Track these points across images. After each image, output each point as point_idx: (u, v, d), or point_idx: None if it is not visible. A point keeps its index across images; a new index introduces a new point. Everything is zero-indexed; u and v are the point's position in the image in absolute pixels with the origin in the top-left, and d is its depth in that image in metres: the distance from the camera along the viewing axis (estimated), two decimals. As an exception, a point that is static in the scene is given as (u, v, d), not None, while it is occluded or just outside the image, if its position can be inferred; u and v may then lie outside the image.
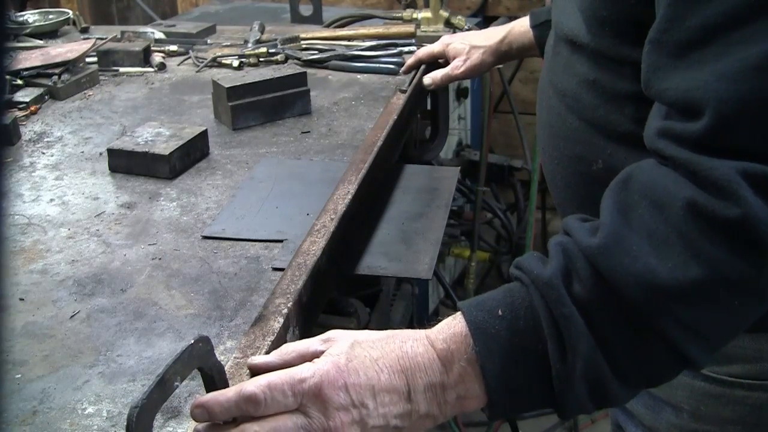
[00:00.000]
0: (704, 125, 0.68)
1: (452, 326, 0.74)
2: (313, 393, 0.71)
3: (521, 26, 1.55)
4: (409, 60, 1.75)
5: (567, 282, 0.70)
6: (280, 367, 0.75)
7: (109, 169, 1.37)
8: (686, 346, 0.70)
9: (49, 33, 2.11)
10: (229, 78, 1.61)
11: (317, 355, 0.75)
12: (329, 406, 0.71)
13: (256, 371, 0.77)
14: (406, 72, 1.75)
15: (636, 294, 0.68)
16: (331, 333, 0.79)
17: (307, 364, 0.74)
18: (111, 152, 1.37)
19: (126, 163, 1.36)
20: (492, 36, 1.61)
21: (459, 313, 0.75)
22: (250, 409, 0.71)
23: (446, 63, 1.67)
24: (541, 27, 1.47)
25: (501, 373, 0.72)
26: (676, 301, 0.68)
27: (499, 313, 0.72)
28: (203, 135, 1.42)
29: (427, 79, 1.68)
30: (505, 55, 1.61)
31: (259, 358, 0.79)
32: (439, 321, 0.76)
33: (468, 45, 1.62)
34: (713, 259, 0.66)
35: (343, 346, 0.75)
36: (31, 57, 1.82)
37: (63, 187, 1.32)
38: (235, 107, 1.52)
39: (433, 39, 2.03)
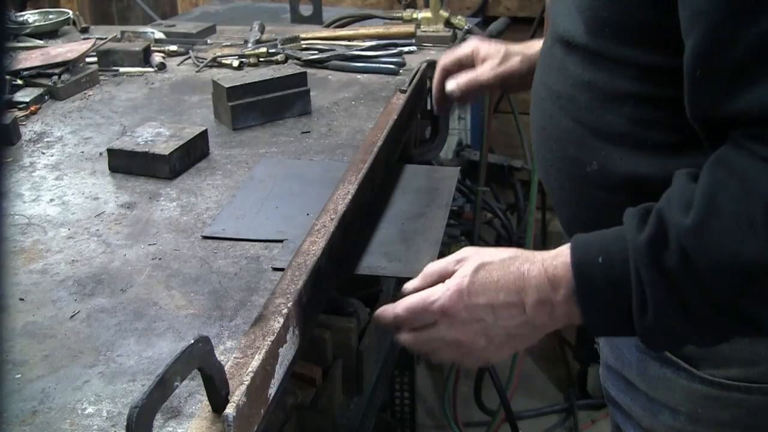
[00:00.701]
0: None
1: (564, 255, 0.85)
2: (440, 312, 0.89)
3: None
4: (435, 78, 1.46)
5: (657, 250, 0.77)
6: (429, 286, 0.92)
7: (109, 169, 1.37)
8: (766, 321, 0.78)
9: (49, 33, 2.11)
10: (229, 78, 1.61)
11: (451, 274, 0.90)
12: (455, 322, 0.89)
13: (409, 293, 0.93)
14: (439, 103, 1.48)
15: (719, 276, 0.75)
16: (464, 252, 0.93)
17: (439, 285, 0.90)
18: (111, 152, 1.37)
19: (126, 163, 1.36)
20: (529, 45, 1.36)
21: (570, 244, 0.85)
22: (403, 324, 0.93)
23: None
24: None
25: (596, 311, 0.83)
26: (758, 283, 0.74)
27: (599, 260, 0.82)
28: (203, 135, 1.42)
29: (451, 84, 1.41)
30: None
31: (410, 283, 0.95)
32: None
33: (503, 48, 1.37)
34: None
35: (469, 269, 0.89)
36: (31, 57, 1.82)
37: (63, 187, 1.32)
38: (235, 107, 1.52)
39: (433, 39, 2.03)
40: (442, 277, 0.91)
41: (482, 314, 0.88)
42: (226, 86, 1.52)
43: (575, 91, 0.93)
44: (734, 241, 0.73)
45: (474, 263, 0.90)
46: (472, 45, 1.41)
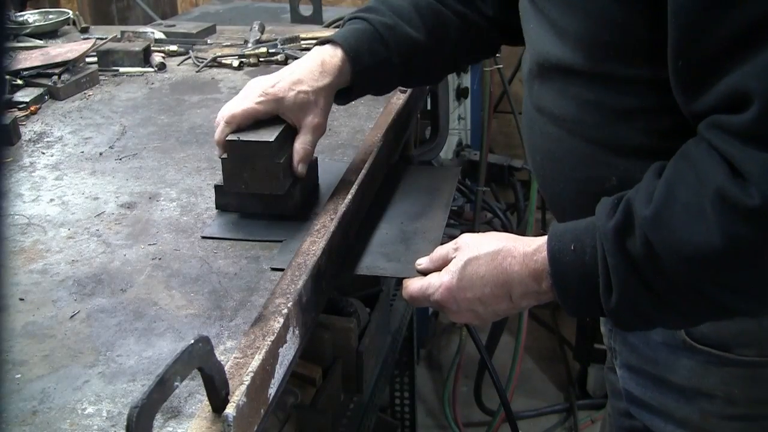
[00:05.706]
0: (751, 116, 0.74)
1: (543, 250, 0.91)
2: (437, 304, 1.00)
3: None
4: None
5: (623, 236, 0.83)
6: (434, 269, 1.02)
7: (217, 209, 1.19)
8: (731, 303, 0.82)
9: (49, 33, 2.11)
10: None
11: (449, 261, 0.99)
12: (449, 311, 1.00)
13: (421, 272, 1.04)
14: None
15: (677, 262, 0.80)
16: (460, 240, 1.00)
17: (435, 277, 0.99)
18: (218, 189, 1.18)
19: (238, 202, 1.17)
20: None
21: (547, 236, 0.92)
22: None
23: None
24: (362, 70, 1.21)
25: (570, 295, 0.89)
26: (712, 266, 0.79)
27: (572, 247, 0.88)
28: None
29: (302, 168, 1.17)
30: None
31: (422, 260, 1.05)
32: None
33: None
34: (736, 235, 0.76)
35: (458, 264, 0.97)
36: (31, 57, 1.82)
37: (63, 187, 1.32)
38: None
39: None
40: (445, 262, 1.01)
41: (472, 306, 0.97)
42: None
43: (582, 112, 0.94)
44: (686, 228, 0.78)
45: (463, 258, 0.97)
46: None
